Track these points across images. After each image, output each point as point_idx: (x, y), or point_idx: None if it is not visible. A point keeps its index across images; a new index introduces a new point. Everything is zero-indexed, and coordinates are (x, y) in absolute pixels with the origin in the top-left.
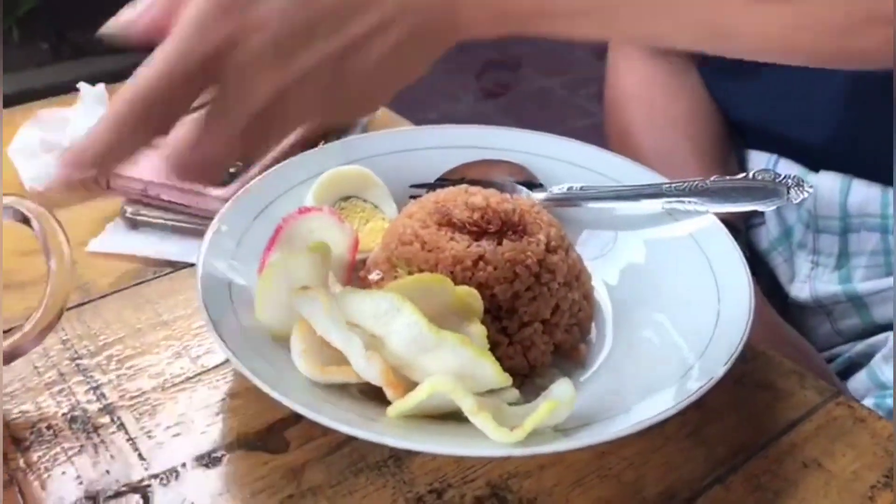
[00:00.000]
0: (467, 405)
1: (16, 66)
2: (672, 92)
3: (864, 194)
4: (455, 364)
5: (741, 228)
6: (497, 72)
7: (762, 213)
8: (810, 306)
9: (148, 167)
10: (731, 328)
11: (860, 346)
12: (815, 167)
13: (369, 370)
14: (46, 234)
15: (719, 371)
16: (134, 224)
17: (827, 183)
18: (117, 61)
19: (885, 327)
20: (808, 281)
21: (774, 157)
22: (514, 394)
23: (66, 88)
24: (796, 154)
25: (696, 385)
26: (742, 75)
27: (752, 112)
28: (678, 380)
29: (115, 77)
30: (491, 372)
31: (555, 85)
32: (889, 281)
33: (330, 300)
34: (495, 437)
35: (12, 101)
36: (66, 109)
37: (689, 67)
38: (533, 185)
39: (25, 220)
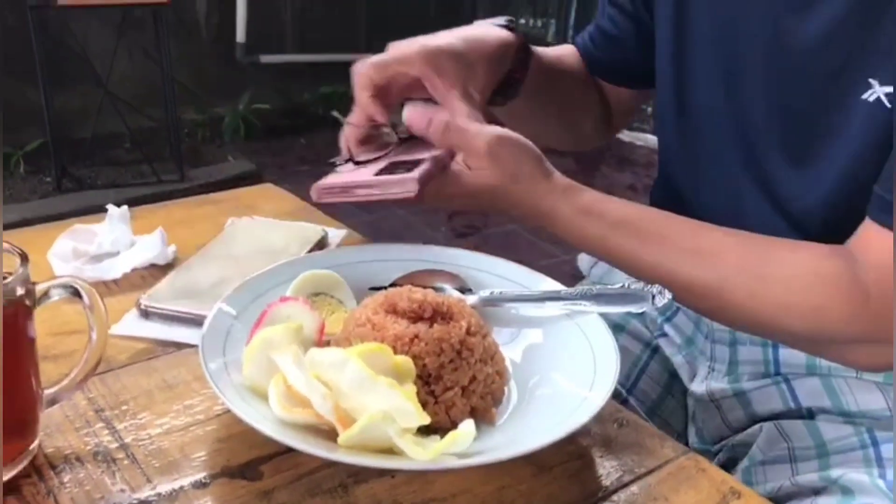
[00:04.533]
0: (394, 430)
1: (21, 198)
2: None
3: None
4: (387, 403)
5: (653, 337)
6: (468, 214)
7: (672, 324)
8: (705, 400)
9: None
10: (602, 388)
11: (740, 436)
12: None
13: (324, 407)
14: (93, 306)
15: (583, 418)
16: (146, 314)
17: None
18: (114, 194)
19: (763, 419)
20: (705, 380)
21: None
22: (436, 437)
23: (67, 218)
24: None
25: (562, 430)
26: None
27: None
28: (560, 423)
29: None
30: (413, 410)
31: (521, 229)
32: (767, 380)
33: (298, 356)
34: (413, 455)
35: (17, 228)
36: (95, 225)
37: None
38: (465, 289)
39: (78, 294)
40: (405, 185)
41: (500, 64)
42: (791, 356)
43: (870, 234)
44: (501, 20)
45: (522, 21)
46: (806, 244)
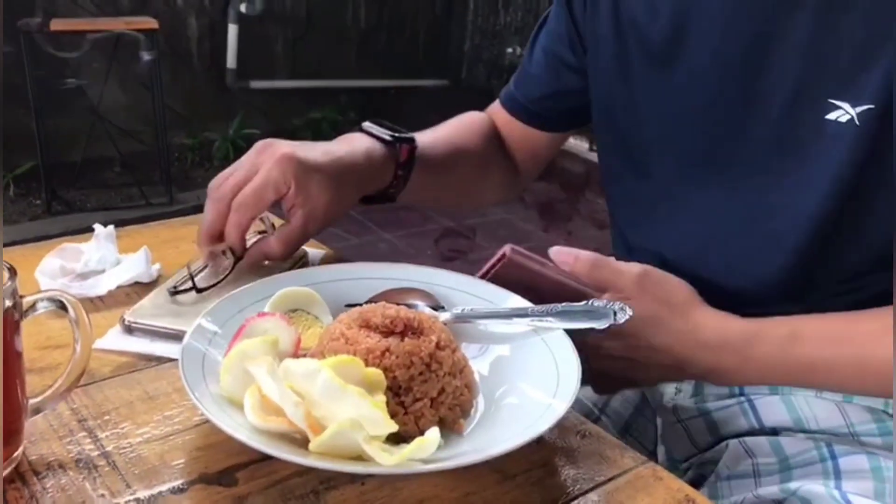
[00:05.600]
0: (362, 436)
1: (11, 220)
2: None
3: None
4: (356, 411)
5: None
6: (454, 238)
7: None
8: (672, 420)
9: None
10: (564, 398)
11: (707, 454)
12: None
13: (297, 415)
14: (78, 320)
15: (542, 429)
16: (130, 330)
17: None
18: (103, 217)
19: (729, 437)
20: (673, 400)
21: None
22: (405, 447)
23: (55, 238)
24: None
25: (524, 437)
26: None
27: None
28: (524, 431)
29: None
30: (381, 418)
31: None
32: (732, 400)
33: (273, 367)
34: (380, 461)
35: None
36: (83, 244)
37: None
38: (438, 307)
39: (64, 307)
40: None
41: (370, 182)
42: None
43: None
44: (386, 134)
45: (510, 50)
46: None
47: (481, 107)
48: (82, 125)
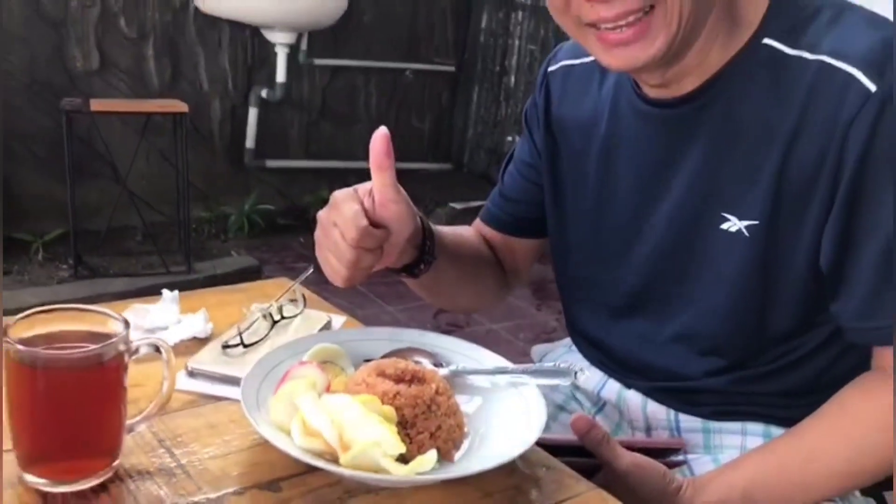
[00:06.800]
0: (380, 453)
1: (40, 282)
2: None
3: (656, 407)
4: (376, 434)
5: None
6: (451, 314)
7: (603, 414)
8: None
9: None
10: (532, 435)
11: None
12: (628, 386)
13: (332, 436)
14: (168, 361)
15: (514, 454)
16: (192, 374)
17: (635, 398)
18: (125, 283)
19: None
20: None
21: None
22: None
23: (83, 302)
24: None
25: (500, 460)
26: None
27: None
28: (499, 457)
29: (123, 295)
30: (394, 440)
31: (500, 329)
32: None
33: (315, 399)
34: (393, 471)
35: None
36: (150, 305)
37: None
38: (438, 364)
39: (158, 350)
40: None
41: (411, 246)
42: (691, 438)
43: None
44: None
45: (510, 139)
46: (857, 399)
47: (481, 189)
48: (109, 196)
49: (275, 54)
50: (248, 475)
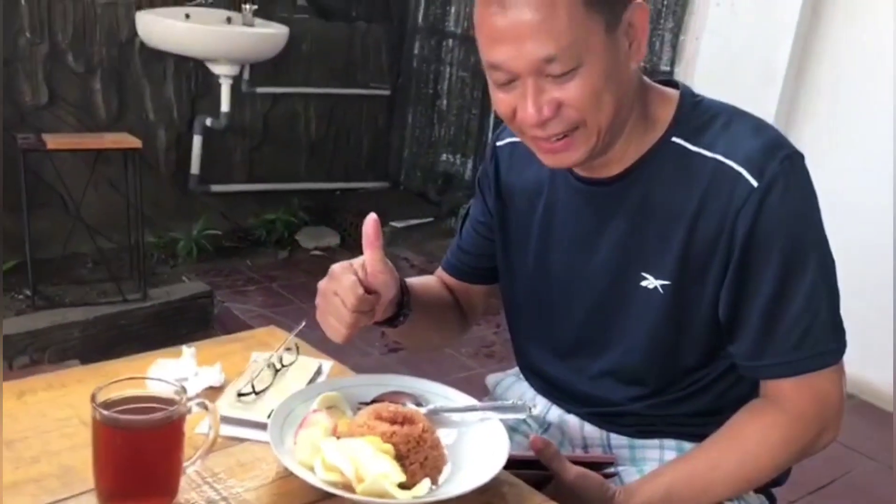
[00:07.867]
0: (388, 483)
1: None
2: None
3: (591, 428)
4: (384, 467)
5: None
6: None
7: (548, 434)
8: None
9: None
10: (497, 463)
11: None
12: (568, 411)
13: (349, 470)
14: (214, 416)
15: (487, 478)
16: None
17: (573, 421)
18: (84, 312)
19: None
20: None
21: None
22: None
23: (45, 333)
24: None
25: (478, 482)
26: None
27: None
28: (473, 481)
29: (84, 325)
30: (398, 472)
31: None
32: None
33: (333, 441)
34: (399, 497)
35: None
36: (173, 360)
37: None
38: (419, 403)
39: (206, 407)
40: None
41: (391, 304)
42: (620, 453)
43: (782, 387)
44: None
45: (443, 158)
46: (747, 420)
47: (417, 206)
48: (61, 226)
49: (218, 84)
50: (278, 503)
